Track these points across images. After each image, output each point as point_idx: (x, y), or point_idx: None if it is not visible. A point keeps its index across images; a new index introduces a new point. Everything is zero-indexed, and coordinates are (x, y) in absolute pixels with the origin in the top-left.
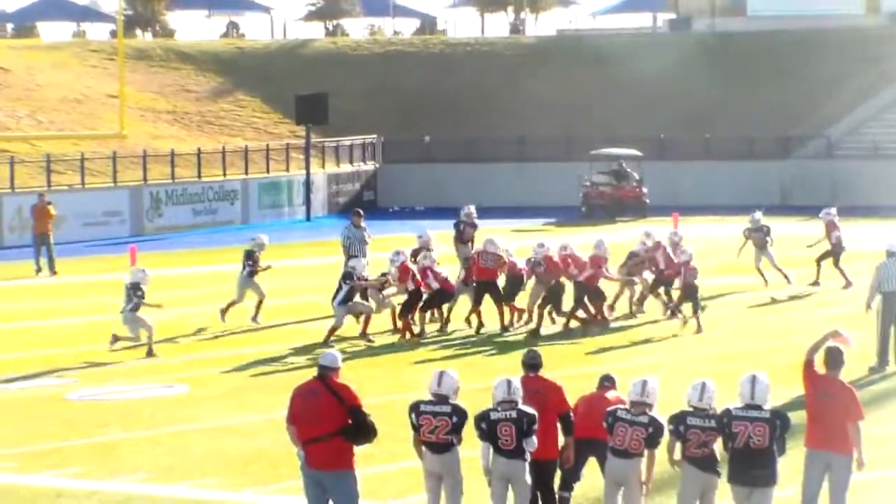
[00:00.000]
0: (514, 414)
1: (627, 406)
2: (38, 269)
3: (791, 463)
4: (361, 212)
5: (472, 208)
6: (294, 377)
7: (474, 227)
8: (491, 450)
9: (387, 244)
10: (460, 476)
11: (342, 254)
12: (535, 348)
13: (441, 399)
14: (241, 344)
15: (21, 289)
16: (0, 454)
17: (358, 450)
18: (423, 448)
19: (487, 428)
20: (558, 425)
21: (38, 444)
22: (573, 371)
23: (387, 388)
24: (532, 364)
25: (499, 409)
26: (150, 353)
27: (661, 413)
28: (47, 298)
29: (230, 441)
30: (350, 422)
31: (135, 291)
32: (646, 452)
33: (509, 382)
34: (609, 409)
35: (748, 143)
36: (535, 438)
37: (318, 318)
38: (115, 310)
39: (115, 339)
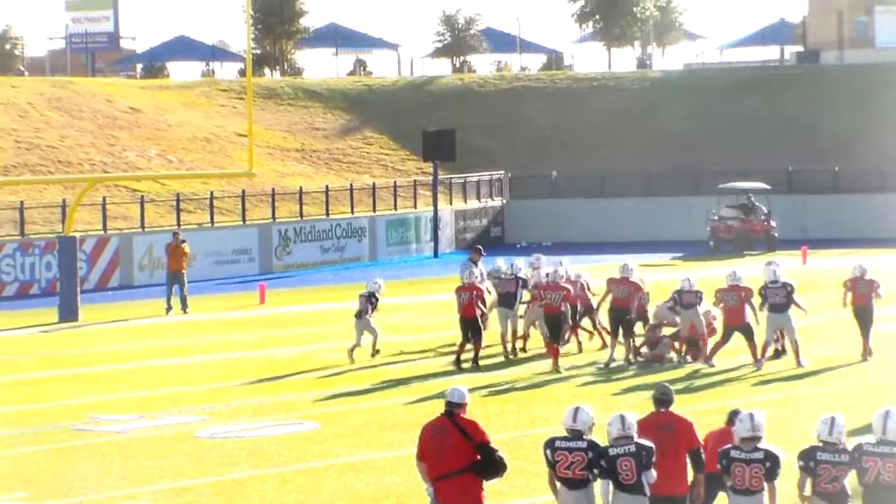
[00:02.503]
0: (632, 448)
1: (737, 443)
2: (169, 308)
3: None
4: (481, 248)
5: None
6: (423, 412)
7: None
8: (611, 486)
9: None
10: None
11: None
12: (665, 383)
13: (576, 435)
14: (371, 380)
15: (152, 327)
16: (132, 492)
17: (488, 485)
18: (559, 484)
19: (607, 464)
20: (688, 461)
21: (168, 482)
22: (702, 406)
23: (516, 423)
24: (663, 400)
25: (616, 444)
26: (374, 353)
27: (793, 449)
28: (178, 337)
29: (359, 478)
30: (479, 458)
31: (369, 299)
32: (766, 486)
33: (623, 418)
34: (720, 451)
35: (878, 176)
36: (654, 471)
37: (446, 352)
38: (244, 347)
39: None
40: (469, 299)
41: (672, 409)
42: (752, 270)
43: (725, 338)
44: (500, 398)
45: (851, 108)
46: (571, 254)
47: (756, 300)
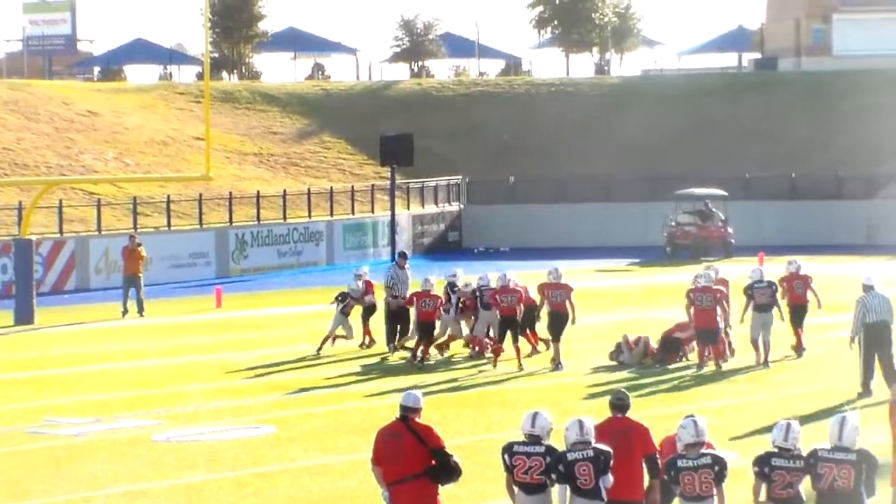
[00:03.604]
0: (590, 453)
1: (681, 451)
2: (125, 312)
3: (878, 503)
4: (407, 254)
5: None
6: (379, 417)
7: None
8: (568, 491)
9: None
10: None
11: (384, 293)
12: (622, 389)
13: (534, 439)
14: (327, 384)
15: (108, 331)
16: (87, 495)
17: (444, 490)
18: (516, 489)
19: (565, 469)
20: (644, 466)
21: (125, 486)
22: (658, 411)
23: (472, 428)
24: (619, 405)
25: (574, 449)
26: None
27: (748, 454)
28: (134, 340)
29: (315, 482)
30: (434, 463)
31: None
32: (715, 490)
33: (581, 423)
34: (666, 461)
35: (835, 182)
36: (611, 476)
37: (403, 356)
38: (201, 351)
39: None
40: (434, 306)
41: (629, 414)
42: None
43: (701, 339)
44: (457, 402)
45: (808, 116)
46: (530, 259)
47: (728, 301)
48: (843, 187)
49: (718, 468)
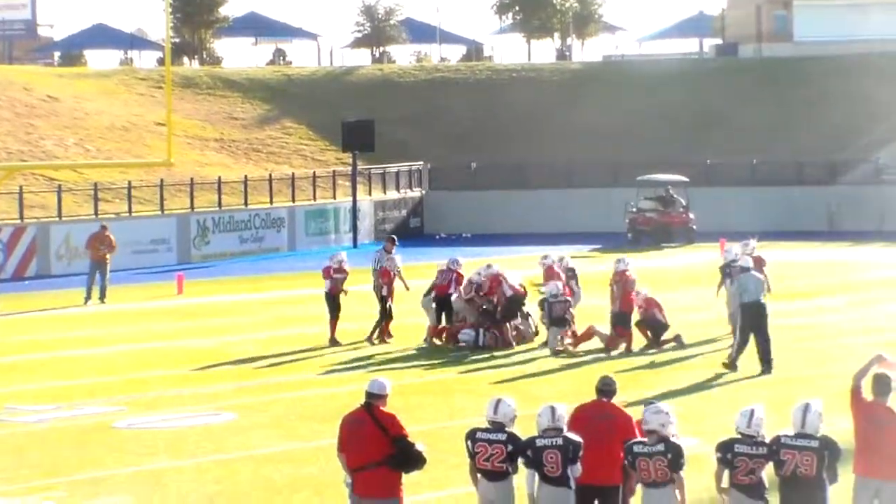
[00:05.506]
0: (559, 441)
1: (642, 437)
2: (88, 298)
3: (840, 490)
4: (395, 238)
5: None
6: (342, 403)
7: None
8: (536, 477)
9: (430, 271)
10: None
11: (372, 277)
12: (609, 375)
13: (497, 427)
14: (289, 371)
15: (70, 317)
16: (49, 482)
17: (406, 477)
18: (479, 475)
19: (533, 455)
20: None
21: (86, 472)
22: (622, 397)
23: (435, 415)
24: (606, 390)
25: (544, 436)
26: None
27: (711, 441)
28: (95, 327)
29: (277, 469)
30: (394, 451)
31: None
32: (673, 477)
33: (553, 409)
34: (626, 445)
35: (796, 169)
36: (580, 465)
37: (365, 344)
38: (162, 337)
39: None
40: (448, 280)
41: (613, 400)
42: (669, 262)
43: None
44: (421, 389)
45: (769, 102)
46: (491, 245)
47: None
48: (804, 173)
49: (672, 455)
